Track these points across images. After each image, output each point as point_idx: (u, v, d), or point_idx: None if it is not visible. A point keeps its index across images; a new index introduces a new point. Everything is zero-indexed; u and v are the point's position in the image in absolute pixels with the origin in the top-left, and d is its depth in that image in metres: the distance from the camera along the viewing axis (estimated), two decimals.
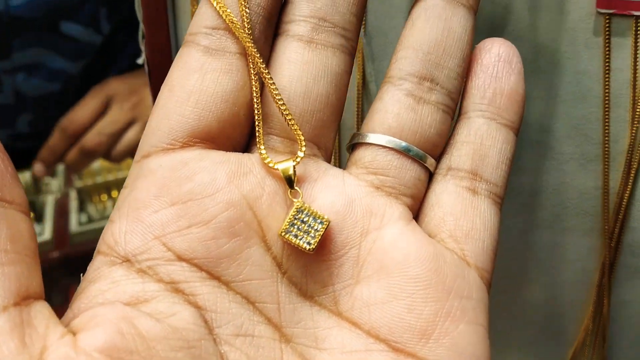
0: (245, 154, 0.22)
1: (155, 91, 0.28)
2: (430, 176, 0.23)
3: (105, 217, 0.72)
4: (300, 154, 0.21)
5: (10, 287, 0.18)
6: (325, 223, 0.20)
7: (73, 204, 0.72)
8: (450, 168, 0.22)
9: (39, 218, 0.70)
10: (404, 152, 0.22)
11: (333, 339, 0.21)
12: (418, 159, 0.22)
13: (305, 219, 0.20)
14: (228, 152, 0.21)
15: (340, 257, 0.21)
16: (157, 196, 0.20)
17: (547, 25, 0.26)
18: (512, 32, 0.26)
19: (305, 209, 0.20)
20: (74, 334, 0.18)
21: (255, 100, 0.21)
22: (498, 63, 0.22)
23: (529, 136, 0.27)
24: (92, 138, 0.63)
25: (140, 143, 0.22)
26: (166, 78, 0.22)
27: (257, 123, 0.21)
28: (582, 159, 0.27)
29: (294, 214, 0.20)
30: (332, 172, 0.22)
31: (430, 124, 0.22)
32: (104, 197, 0.75)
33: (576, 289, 0.30)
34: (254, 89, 0.21)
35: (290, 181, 0.21)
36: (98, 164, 0.75)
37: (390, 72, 0.22)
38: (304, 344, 0.21)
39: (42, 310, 0.19)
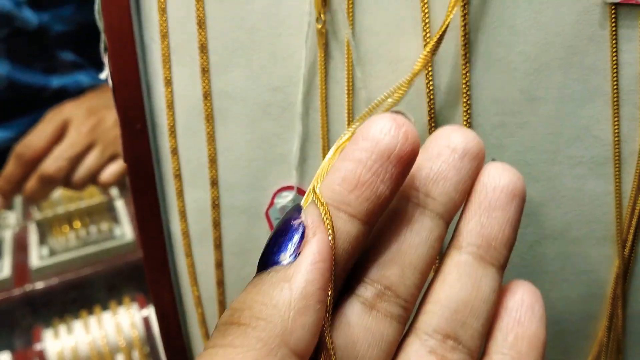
0: None
1: (120, 109, 0.25)
2: None
3: (68, 249, 0.68)
4: None
5: None
6: None
7: (33, 237, 0.68)
8: None
9: None
10: None
11: None
12: None
13: None
14: None
15: None
16: None
17: (550, 19, 0.24)
18: (513, 27, 0.24)
19: None
20: None
21: None
22: (521, 308, 0.23)
23: (536, 140, 0.25)
24: (51, 163, 0.59)
25: None
26: None
27: None
28: (592, 162, 0.25)
29: None
30: None
31: None
32: (66, 228, 0.71)
33: (589, 302, 0.28)
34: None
35: None
36: (58, 193, 0.71)
37: (417, 322, 0.22)
38: None
39: None
